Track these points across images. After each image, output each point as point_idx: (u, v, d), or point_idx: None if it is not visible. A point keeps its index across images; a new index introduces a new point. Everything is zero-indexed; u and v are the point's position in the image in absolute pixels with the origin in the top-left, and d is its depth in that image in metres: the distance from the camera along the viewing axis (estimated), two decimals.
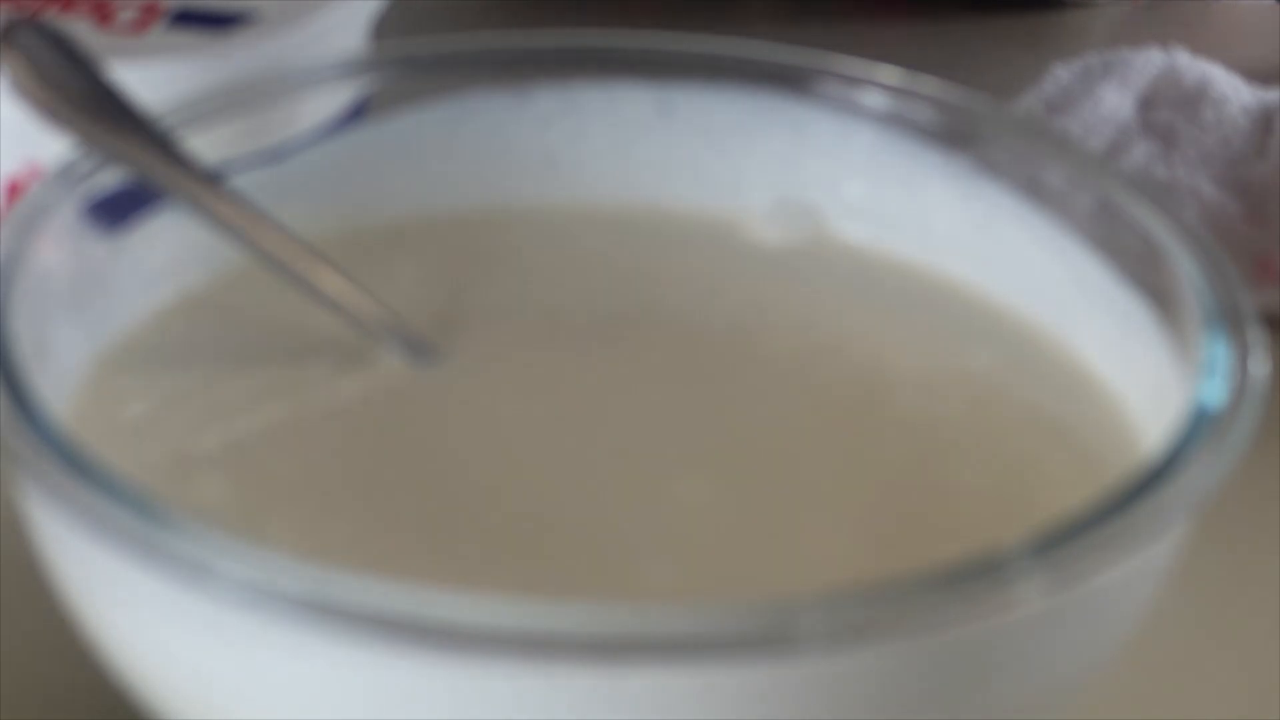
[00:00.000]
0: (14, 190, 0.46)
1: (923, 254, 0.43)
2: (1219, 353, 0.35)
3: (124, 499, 0.31)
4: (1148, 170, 0.54)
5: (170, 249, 0.40)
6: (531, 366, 0.40)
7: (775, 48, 0.43)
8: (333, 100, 0.43)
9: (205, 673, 0.32)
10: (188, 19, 0.48)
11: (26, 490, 0.33)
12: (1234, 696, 0.42)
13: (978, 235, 0.42)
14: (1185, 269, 0.37)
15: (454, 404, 0.39)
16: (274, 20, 0.48)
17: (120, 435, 0.37)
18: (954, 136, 0.42)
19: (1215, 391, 0.34)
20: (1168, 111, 0.56)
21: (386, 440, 0.38)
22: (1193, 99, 0.56)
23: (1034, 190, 0.41)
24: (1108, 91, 0.56)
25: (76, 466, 0.32)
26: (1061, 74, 0.58)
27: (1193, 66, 0.57)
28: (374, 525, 0.35)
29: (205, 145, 0.40)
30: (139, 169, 0.38)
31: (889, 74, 0.43)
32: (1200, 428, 0.33)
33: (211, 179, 0.39)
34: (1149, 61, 0.57)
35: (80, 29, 0.47)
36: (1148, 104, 0.56)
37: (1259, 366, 0.35)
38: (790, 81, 0.43)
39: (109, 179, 0.39)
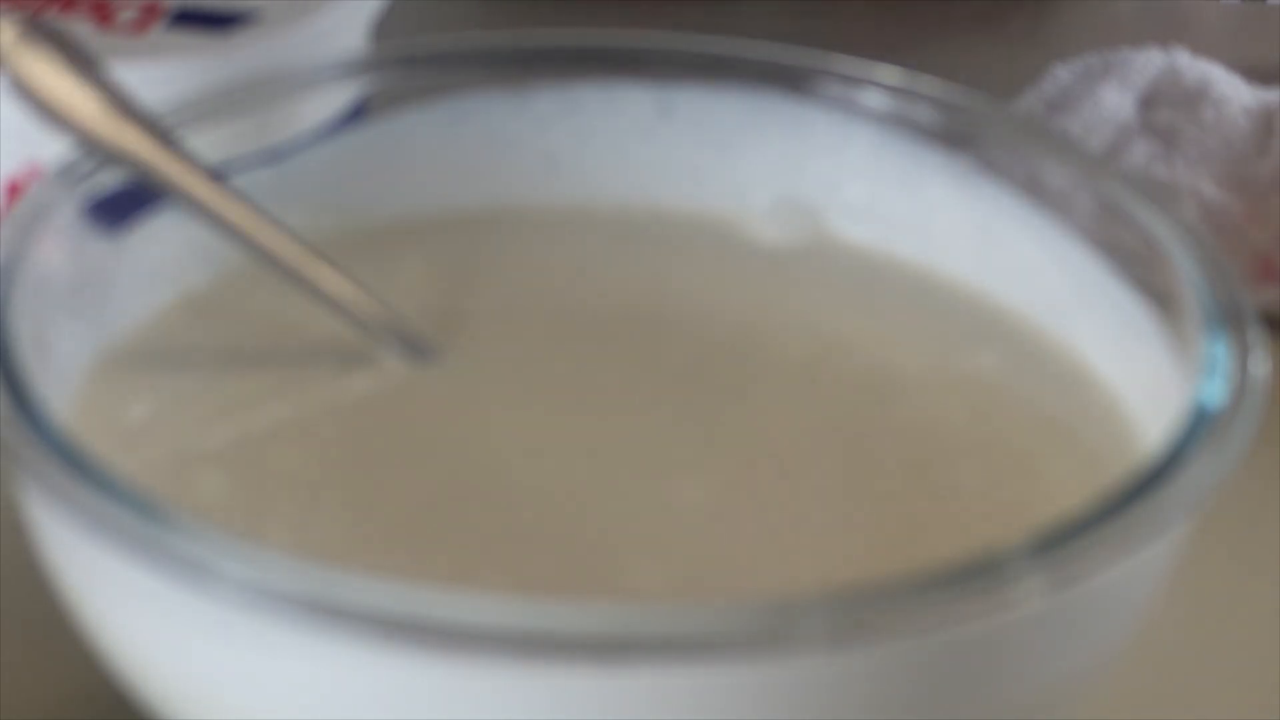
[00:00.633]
0: (14, 190, 0.46)
1: (923, 254, 0.43)
2: (1219, 353, 0.35)
3: (124, 499, 0.31)
4: (1148, 170, 0.54)
5: (170, 249, 0.40)
6: (531, 366, 0.40)
7: (775, 48, 0.43)
8: (333, 100, 0.43)
9: (205, 672, 0.32)
10: (188, 19, 0.48)
11: (26, 490, 0.33)
12: (1234, 696, 0.42)
13: (978, 235, 0.42)
14: (1185, 269, 0.37)
15: (454, 404, 0.39)
16: (274, 20, 0.48)
17: (120, 435, 0.37)
18: (954, 136, 0.42)
19: (1215, 391, 0.34)
20: (1168, 111, 0.56)
21: (386, 440, 0.38)
22: (1193, 99, 0.56)
23: (1034, 190, 0.41)
24: (1108, 91, 0.56)
25: (76, 466, 0.32)
26: (1061, 74, 0.58)
27: (1193, 66, 0.57)
28: (374, 525, 0.35)
29: (205, 145, 0.40)
30: (140, 169, 0.38)
31: (889, 74, 0.43)
32: (1200, 428, 0.33)
33: (212, 179, 0.39)
34: (1149, 61, 0.57)
35: (80, 29, 0.47)
36: (1148, 104, 0.56)
37: (1259, 366, 0.35)
38: (790, 81, 0.43)
39: (109, 179, 0.39)
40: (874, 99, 0.43)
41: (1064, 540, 0.31)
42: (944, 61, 0.49)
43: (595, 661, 0.30)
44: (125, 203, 0.39)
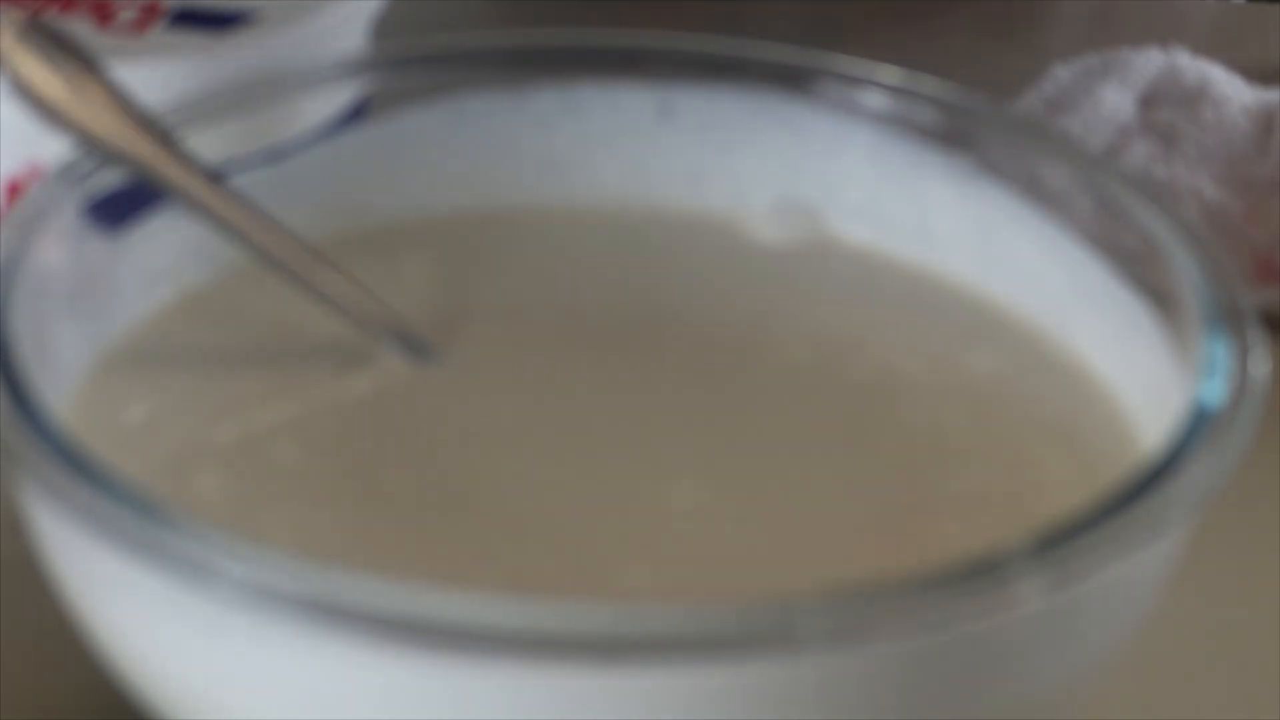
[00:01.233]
0: (14, 190, 0.46)
1: (923, 254, 0.43)
2: (1219, 353, 0.35)
3: (124, 499, 0.31)
4: (1148, 170, 0.54)
5: (170, 249, 0.40)
6: (531, 366, 0.40)
7: (775, 48, 0.43)
8: (333, 100, 0.43)
9: (205, 672, 0.32)
10: (188, 19, 0.48)
11: (26, 490, 0.33)
12: (1234, 696, 0.42)
13: (978, 235, 0.42)
14: (1185, 269, 0.37)
15: (453, 404, 0.39)
16: (274, 20, 0.48)
17: (120, 435, 0.37)
18: (954, 137, 0.42)
19: (1215, 391, 0.34)
20: (1168, 111, 0.56)
21: (386, 440, 0.38)
22: (1193, 99, 0.56)
23: (1034, 190, 0.41)
24: (1108, 91, 0.56)
25: (76, 466, 0.32)
26: (1061, 74, 0.58)
27: (1193, 66, 0.57)
28: (373, 525, 0.35)
29: (205, 145, 0.40)
30: (139, 169, 0.38)
31: (889, 74, 0.43)
32: (1200, 427, 0.33)
33: (212, 178, 0.39)
34: (1149, 61, 0.57)
35: (80, 29, 0.47)
36: (1148, 104, 0.56)
37: (1259, 366, 0.35)
38: (790, 81, 0.43)
39: (109, 179, 0.39)
40: (874, 99, 0.43)
41: (1064, 540, 0.31)
42: (944, 61, 0.49)
43: (595, 661, 0.30)
44: (125, 203, 0.39)
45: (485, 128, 0.44)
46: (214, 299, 0.41)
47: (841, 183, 0.43)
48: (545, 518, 0.36)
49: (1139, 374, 0.38)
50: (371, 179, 0.43)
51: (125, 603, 0.33)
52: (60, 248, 0.38)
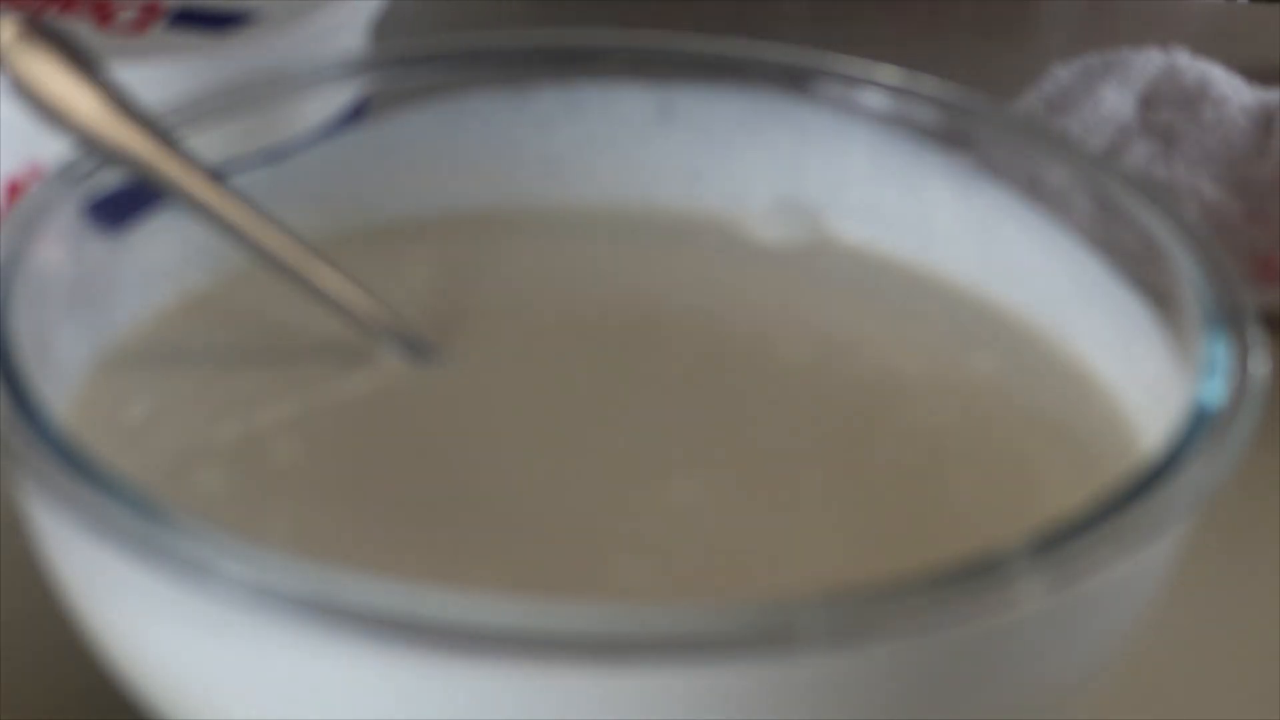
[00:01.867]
0: (14, 190, 0.46)
1: (923, 254, 0.43)
2: (1219, 353, 0.35)
3: (124, 499, 0.31)
4: (1148, 170, 0.54)
5: (170, 249, 0.40)
6: (531, 366, 0.40)
7: (775, 48, 0.43)
8: (333, 100, 0.43)
9: (205, 672, 0.32)
10: (188, 19, 0.48)
11: (26, 490, 0.33)
12: (1234, 696, 0.42)
13: (978, 235, 0.42)
14: (1185, 269, 0.37)
15: (453, 404, 0.39)
16: (274, 20, 0.48)
17: (120, 435, 0.37)
18: (954, 136, 0.42)
19: (1215, 391, 0.34)
20: (1168, 111, 0.56)
21: (385, 439, 0.38)
22: (1193, 99, 0.56)
23: (1034, 190, 0.41)
24: (1108, 91, 0.56)
25: (76, 466, 0.32)
26: (1061, 74, 0.58)
27: (1193, 66, 0.57)
28: (372, 524, 0.35)
29: (205, 145, 0.40)
30: (139, 169, 0.38)
31: (889, 74, 0.43)
32: (1200, 428, 0.33)
33: (212, 179, 0.39)
34: (1149, 61, 0.58)
35: (80, 29, 0.47)
36: (1148, 104, 0.56)
37: (1259, 366, 0.35)
38: (790, 81, 0.43)
39: (109, 179, 0.39)
40: (874, 99, 0.43)
41: (1064, 540, 0.31)
42: (944, 61, 0.49)
43: (595, 661, 0.30)
44: (125, 203, 0.39)
45: (485, 128, 0.44)
46: (214, 299, 0.41)
47: (841, 182, 0.43)
48: (545, 517, 0.36)
49: (1139, 374, 0.38)
50: (371, 179, 0.43)
51: (125, 603, 0.33)
52: (60, 248, 0.38)
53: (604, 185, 0.44)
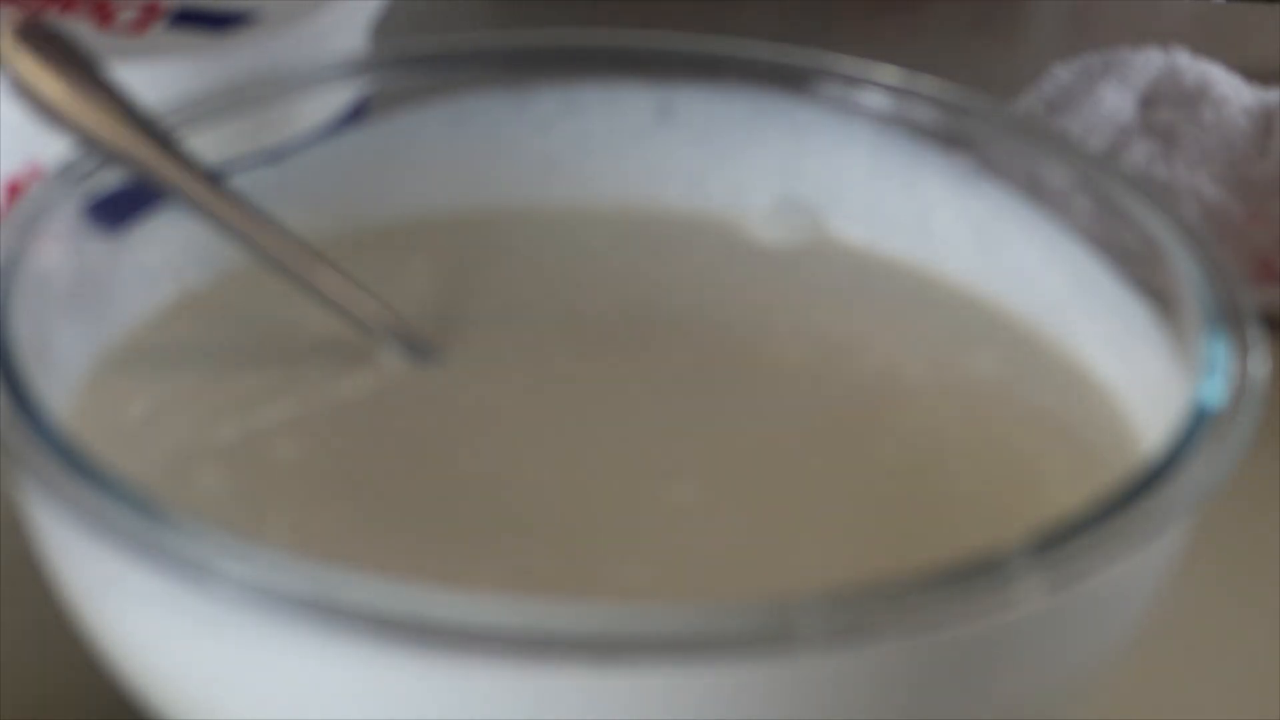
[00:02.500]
0: (14, 190, 0.46)
1: (923, 254, 0.43)
2: (1219, 353, 0.35)
3: (124, 499, 0.31)
4: (1148, 170, 0.54)
5: (170, 249, 0.40)
6: (531, 366, 0.40)
7: (775, 48, 0.43)
8: (333, 100, 0.43)
9: (205, 672, 0.32)
10: (188, 19, 0.48)
11: (26, 490, 0.33)
12: (1234, 696, 0.42)
13: (978, 235, 0.42)
14: (1185, 269, 0.37)
15: (453, 404, 0.39)
16: (274, 20, 0.48)
17: (120, 435, 0.37)
18: (954, 136, 0.42)
19: (1215, 391, 0.34)
20: (1168, 111, 0.56)
21: (386, 440, 0.38)
22: (1193, 99, 0.56)
23: (1034, 190, 0.41)
24: (1108, 91, 0.56)
25: (76, 466, 0.32)
26: (1061, 74, 0.58)
27: (1193, 66, 0.57)
28: (372, 524, 0.35)
29: (205, 145, 0.40)
30: (139, 169, 0.38)
31: (889, 74, 0.43)
32: (1200, 427, 0.33)
33: (212, 179, 0.39)
34: (1149, 61, 0.57)
35: (80, 29, 0.47)
36: (1148, 104, 0.56)
37: (1259, 366, 0.35)
38: (790, 81, 0.43)
39: (109, 179, 0.39)
40: (874, 99, 0.43)
41: (1064, 540, 0.31)
42: (944, 61, 0.49)
43: (594, 661, 0.30)
44: (125, 203, 0.39)
45: (485, 128, 0.44)
46: (214, 299, 0.41)
47: (841, 183, 0.43)
48: (544, 517, 0.36)
49: (1139, 374, 0.38)
50: (371, 179, 0.43)
51: (125, 603, 0.33)
52: (60, 248, 0.38)
53: (604, 185, 0.44)
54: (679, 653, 0.30)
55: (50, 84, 0.38)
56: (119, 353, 0.39)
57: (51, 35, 0.38)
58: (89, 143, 0.38)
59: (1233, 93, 0.56)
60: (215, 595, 0.30)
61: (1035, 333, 0.41)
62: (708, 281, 0.42)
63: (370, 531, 0.35)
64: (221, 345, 0.40)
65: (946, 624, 0.31)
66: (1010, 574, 0.31)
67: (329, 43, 0.48)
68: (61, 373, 0.37)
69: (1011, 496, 0.37)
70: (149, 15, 0.48)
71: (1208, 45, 0.59)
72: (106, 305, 0.39)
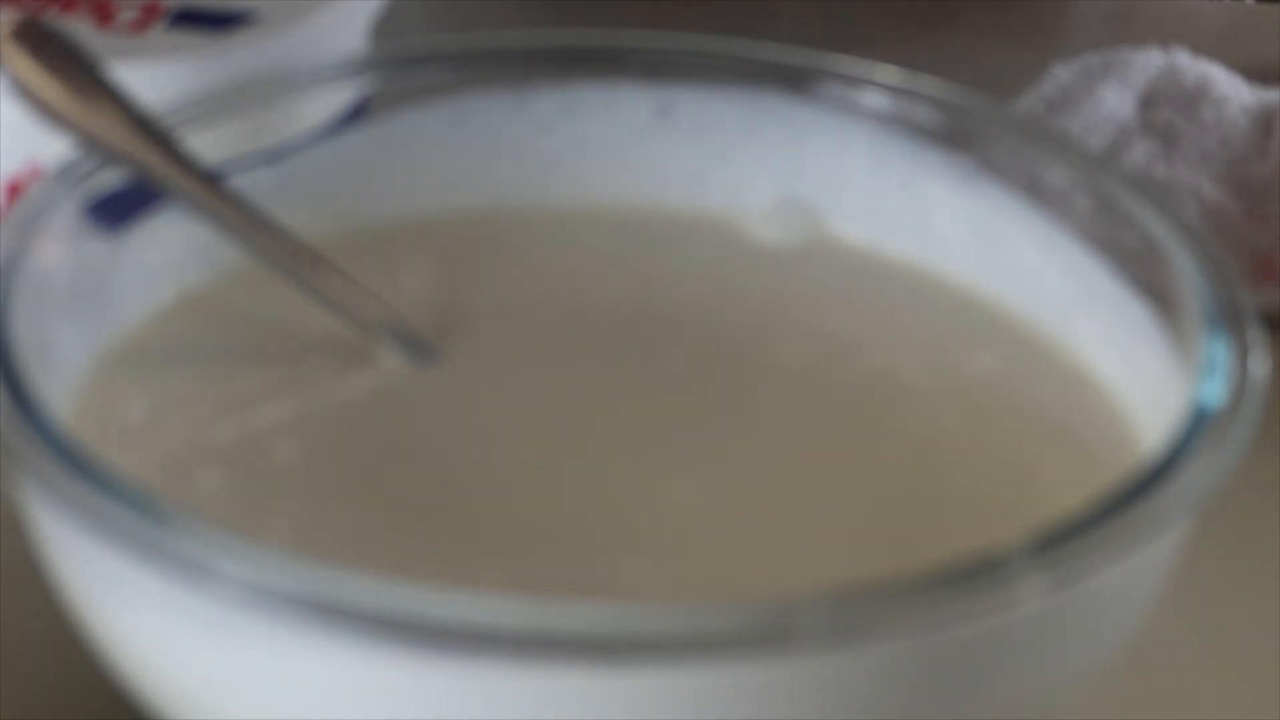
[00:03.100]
0: (14, 190, 0.46)
1: (922, 254, 0.43)
2: (1219, 353, 0.35)
3: (124, 499, 0.31)
4: (1148, 170, 0.54)
5: (170, 249, 0.40)
6: (530, 366, 0.40)
7: (775, 48, 0.43)
8: (333, 100, 0.43)
9: (205, 672, 0.32)
10: (188, 19, 0.48)
11: (26, 490, 0.33)
12: (1234, 696, 0.42)
13: (978, 235, 0.42)
14: (1185, 269, 0.37)
15: (453, 404, 0.39)
16: (274, 20, 0.48)
17: (120, 435, 0.37)
18: (954, 136, 0.42)
19: (1215, 391, 0.34)
20: (1168, 111, 0.56)
21: (386, 439, 0.38)
22: (1193, 99, 0.56)
23: (1034, 190, 0.41)
24: (1108, 91, 0.56)
25: (76, 466, 0.32)
26: (1061, 74, 0.58)
27: (1193, 66, 0.57)
28: (372, 524, 0.35)
29: (205, 145, 0.40)
30: (139, 169, 0.38)
31: (889, 74, 0.43)
32: (1200, 428, 0.33)
33: (212, 179, 0.39)
34: (1149, 61, 0.57)
35: (80, 29, 0.47)
36: (1148, 104, 0.56)
37: (1259, 366, 0.35)
38: (790, 81, 0.43)
39: (109, 179, 0.39)
40: (874, 99, 0.43)
41: (1064, 540, 0.31)
42: (944, 61, 0.49)
43: (594, 661, 0.30)
44: (125, 203, 0.39)
45: (485, 128, 0.44)
46: (214, 299, 0.41)
47: (841, 183, 0.43)
48: (545, 517, 0.36)
49: (1139, 374, 0.38)
50: (371, 179, 0.43)
51: (125, 603, 0.33)
52: (60, 248, 0.38)
53: (603, 185, 0.44)
54: (679, 653, 0.30)
55: (50, 84, 0.38)
56: (119, 353, 0.39)
57: (51, 35, 0.38)
58: (89, 143, 0.38)
59: (1233, 93, 0.56)
60: (215, 595, 0.30)
61: (1035, 333, 0.41)
62: (708, 281, 0.42)
63: (370, 531, 0.35)
64: (221, 345, 0.40)
65: (946, 624, 0.31)
66: (1010, 574, 0.31)
67: (329, 43, 0.48)
68: (61, 373, 0.37)
69: (1011, 496, 0.37)
70: (149, 15, 0.48)
71: (1208, 45, 0.59)
72: (106, 305, 0.39)
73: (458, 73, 0.43)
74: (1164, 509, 0.32)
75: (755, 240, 0.43)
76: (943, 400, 0.39)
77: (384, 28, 0.50)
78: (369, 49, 0.50)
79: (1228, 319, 0.36)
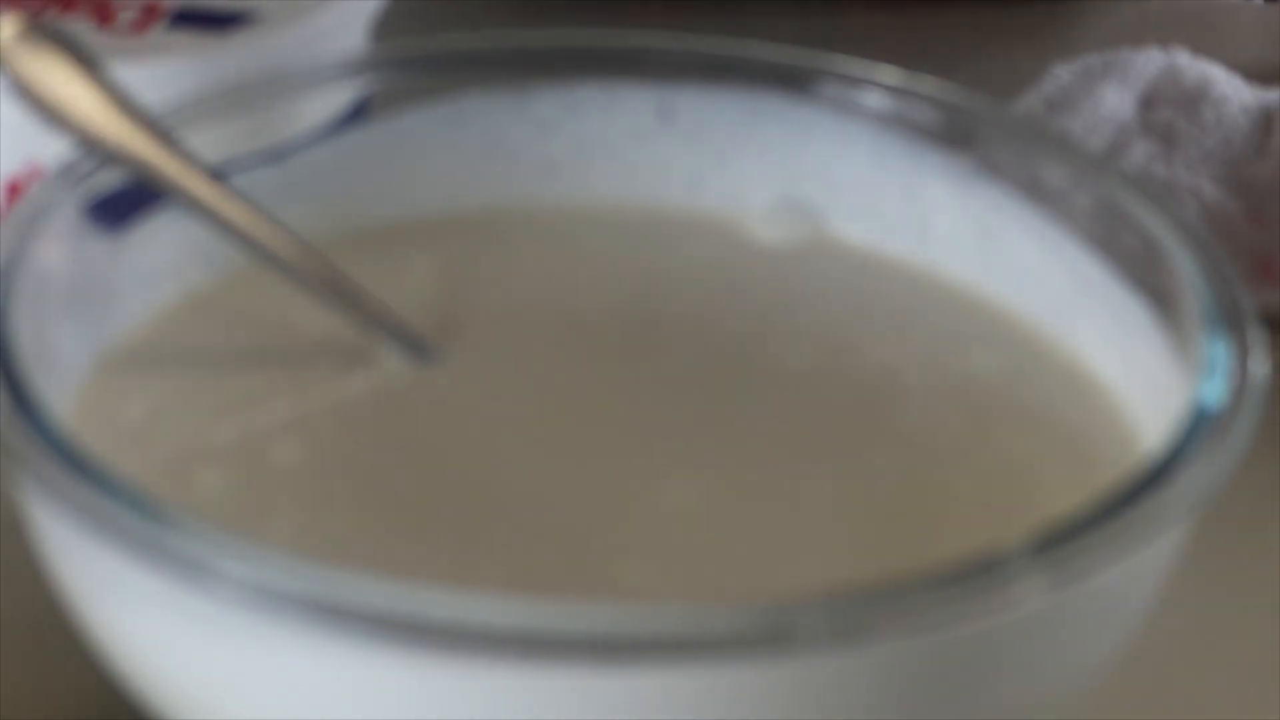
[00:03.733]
0: (14, 190, 0.46)
1: (922, 254, 0.43)
2: (1219, 353, 0.35)
3: (124, 499, 0.31)
4: (1148, 170, 0.54)
5: (170, 249, 0.40)
6: (530, 367, 0.40)
7: (775, 48, 0.43)
8: (333, 100, 0.43)
9: (205, 672, 0.32)
10: (188, 19, 0.48)
11: (26, 490, 0.33)
12: (1234, 696, 0.42)
13: (978, 235, 0.42)
14: (1185, 269, 0.37)
15: (453, 404, 0.38)
16: (274, 20, 0.48)
17: (120, 435, 0.37)
18: (954, 136, 0.42)
19: (1215, 391, 0.34)
20: (1168, 111, 0.56)
21: (386, 440, 0.38)
22: (1193, 99, 0.56)
23: (1034, 190, 0.41)
24: (1108, 91, 0.56)
25: (76, 466, 0.32)
26: (1061, 74, 0.58)
27: (1193, 66, 0.57)
28: (373, 525, 0.35)
29: (205, 145, 0.40)
30: (140, 168, 0.38)
31: (889, 74, 0.43)
32: (1200, 428, 0.33)
33: (212, 178, 0.39)
34: (1149, 61, 0.57)
35: (80, 29, 0.47)
36: (1148, 104, 0.56)
37: (1259, 366, 0.35)
38: (790, 81, 0.43)
39: (109, 179, 0.39)
40: (874, 99, 0.43)
41: (1064, 540, 0.31)
42: (944, 61, 0.49)
43: (595, 661, 0.30)
44: (125, 203, 0.39)
45: (485, 128, 0.44)
46: (214, 299, 0.41)
47: (841, 183, 0.43)
48: (545, 517, 0.36)
49: (1139, 374, 0.38)
50: (371, 179, 0.43)
51: (125, 603, 0.33)
52: (60, 248, 0.38)
53: (604, 186, 0.44)
54: (679, 653, 0.30)
55: (50, 84, 0.38)
56: (119, 353, 0.39)
57: (52, 35, 0.38)
58: (89, 143, 0.38)
59: (1233, 93, 0.56)
60: (215, 595, 0.30)
61: (1035, 333, 0.41)
62: (708, 282, 0.42)
63: (371, 531, 0.35)
64: (221, 345, 0.40)
65: (946, 624, 0.31)
66: (1010, 574, 0.31)
67: (329, 43, 0.48)
68: (61, 373, 0.37)
69: (1011, 496, 0.37)
70: (149, 15, 0.48)
71: (1208, 45, 0.59)
72: (106, 305, 0.39)
73: (458, 73, 0.43)
74: (1164, 509, 0.32)
75: (755, 240, 0.43)
76: (943, 400, 0.39)
77: (384, 28, 0.50)
78: (369, 49, 0.50)
79: (1228, 319, 0.36)
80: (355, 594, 0.30)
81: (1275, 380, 0.35)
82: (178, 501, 0.32)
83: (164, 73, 0.46)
